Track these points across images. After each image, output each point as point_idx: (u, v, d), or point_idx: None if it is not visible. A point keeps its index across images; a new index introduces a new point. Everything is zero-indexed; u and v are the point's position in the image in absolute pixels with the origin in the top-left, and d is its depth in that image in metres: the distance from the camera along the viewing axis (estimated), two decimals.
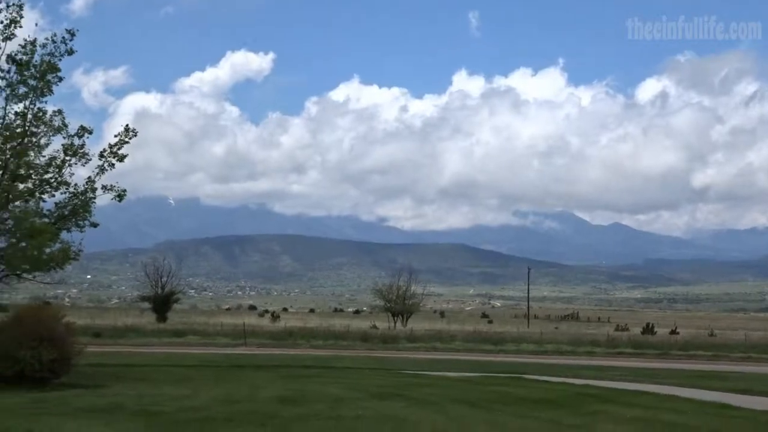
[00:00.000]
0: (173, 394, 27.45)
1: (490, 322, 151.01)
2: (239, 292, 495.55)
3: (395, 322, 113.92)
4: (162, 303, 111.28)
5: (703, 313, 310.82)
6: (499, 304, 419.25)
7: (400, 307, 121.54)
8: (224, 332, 71.06)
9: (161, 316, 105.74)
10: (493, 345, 65.12)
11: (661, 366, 49.88)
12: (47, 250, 33.81)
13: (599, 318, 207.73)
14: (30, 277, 36.00)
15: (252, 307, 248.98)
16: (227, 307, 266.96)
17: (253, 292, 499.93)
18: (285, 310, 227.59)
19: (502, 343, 66.72)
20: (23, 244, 33.53)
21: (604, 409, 25.38)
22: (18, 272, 35.08)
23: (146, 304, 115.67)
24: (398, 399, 27.24)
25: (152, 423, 20.58)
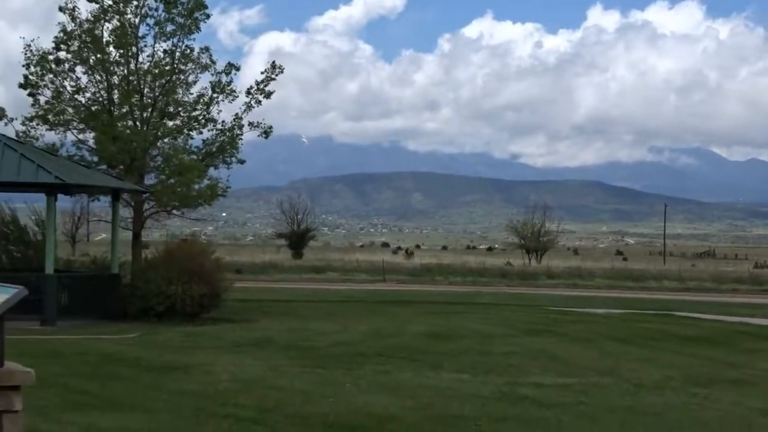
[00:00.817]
0: (322, 329, 27.54)
1: (625, 259, 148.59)
2: (371, 230, 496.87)
3: (530, 260, 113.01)
4: (298, 240, 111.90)
5: None
6: (632, 242, 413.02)
7: (535, 244, 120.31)
8: (362, 269, 71.25)
9: (297, 252, 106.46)
10: (634, 282, 64.22)
11: None
12: (195, 187, 34.17)
13: (736, 255, 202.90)
14: (178, 213, 36.52)
15: (385, 245, 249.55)
16: (361, 244, 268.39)
17: (386, 230, 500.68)
18: (418, 247, 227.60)
19: (643, 280, 65.74)
20: (172, 180, 33.93)
21: (762, 347, 24.70)
22: (167, 209, 35.57)
23: (282, 241, 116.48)
24: (547, 335, 26.95)
25: (304, 357, 20.61)
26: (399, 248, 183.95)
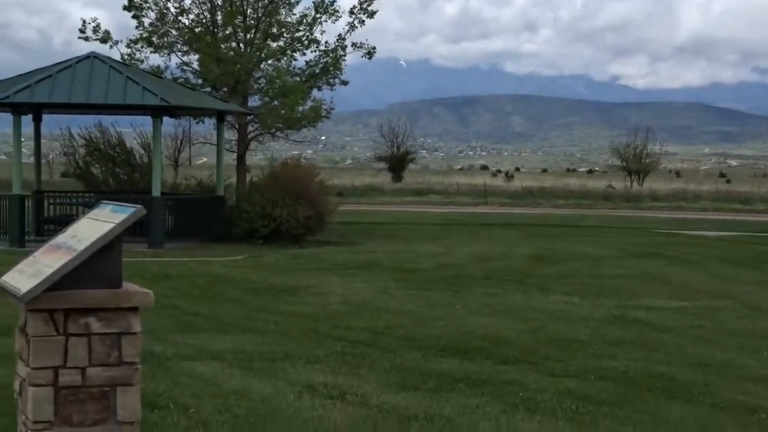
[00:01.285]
0: (427, 251, 27.36)
1: (728, 181, 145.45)
2: (470, 153, 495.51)
3: (632, 182, 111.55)
4: (397, 163, 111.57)
5: None
6: (735, 164, 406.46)
7: (637, 166, 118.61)
8: (462, 192, 70.89)
9: (397, 175, 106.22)
10: (741, 204, 62.87)
11: None
12: (299, 109, 34.02)
13: None
14: (282, 135, 36.46)
15: (484, 167, 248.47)
16: (459, 167, 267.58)
17: (484, 153, 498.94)
18: (517, 170, 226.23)
19: (751, 202, 64.36)
20: (276, 102, 33.81)
21: None
22: (271, 131, 35.52)
23: (382, 165, 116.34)
24: (656, 258, 26.46)
25: (411, 280, 20.45)
26: (498, 171, 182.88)
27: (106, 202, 7.81)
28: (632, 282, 20.93)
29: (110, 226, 6.99)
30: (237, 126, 35.01)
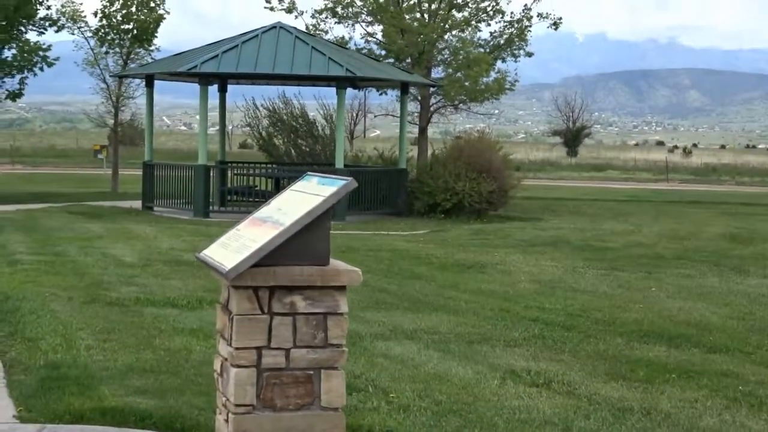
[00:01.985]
0: (615, 229, 26.59)
1: None
2: (645, 128, 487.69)
3: None
4: (573, 137, 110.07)
5: None
6: None
7: None
8: (640, 167, 69.43)
9: (572, 150, 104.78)
10: None
11: None
12: (483, 80, 33.45)
13: None
14: (465, 108, 35.97)
15: (660, 143, 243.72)
16: (634, 142, 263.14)
17: (659, 128, 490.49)
18: (695, 146, 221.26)
19: None
20: (460, 74, 33.31)
21: None
22: (454, 103, 35.05)
23: (557, 139, 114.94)
24: None
25: (600, 259, 19.78)
26: (675, 147, 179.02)
27: (311, 173, 7.46)
28: None
29: (319, 199, 6.61)
30: (419, 98, 34.63)
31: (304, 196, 6.88)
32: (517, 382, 9.00)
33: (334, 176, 7.08)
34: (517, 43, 35.00)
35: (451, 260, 18.78)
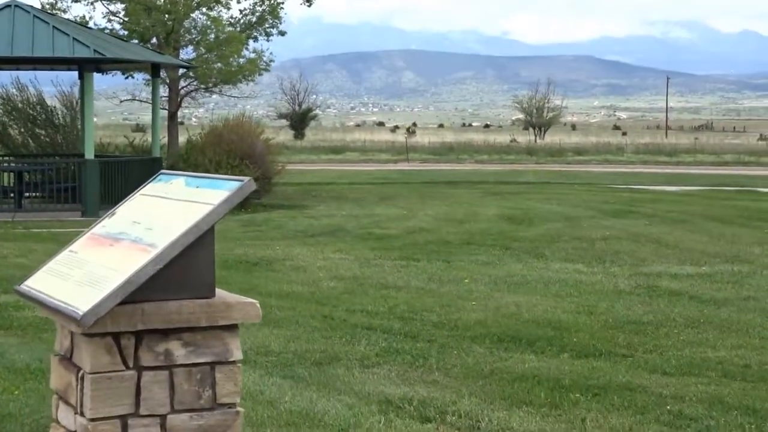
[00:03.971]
0: (388, 214, 25.40)
1: (624, 133, 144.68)
2: (362, 109, 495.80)
3: (536, 136, 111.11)
4: (299, 120, 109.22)
5: None
6: (624, 116, 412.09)
7: (540, 120, 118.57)
8: (379, 148, 69.08)
9: (299, 133, 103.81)
10: (668, 156, 61.84)
11: None
12: (236, 62, 31.54)
13: (734, 128, 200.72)
14: (217, 90, 33.99)
15: (380, 124, 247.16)
16: (353, 123, 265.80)
17: (376, 109, 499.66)
18: (414, 125, 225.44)
19: (676, 154, 63.40)
20: (211, 55, 31.28)
21: None
22: (207, 86, 33.00)
23: (282, 122, 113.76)
24: (635, 216, 24.75)
25: (387, 248, 18.42)
26: (396, 127, 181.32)
27: (168, 172, 5.65)
28: (627, 245, 19.15)
29: (205, 209, 4.82)
30: (168, 81, 32.34)
31: (175, 205, 5.09)
32: (403, 416, 7.37)
33: (210, 176, 5.29)
34: (271, 21, 33.24)
35: (231, 257, 16.97)
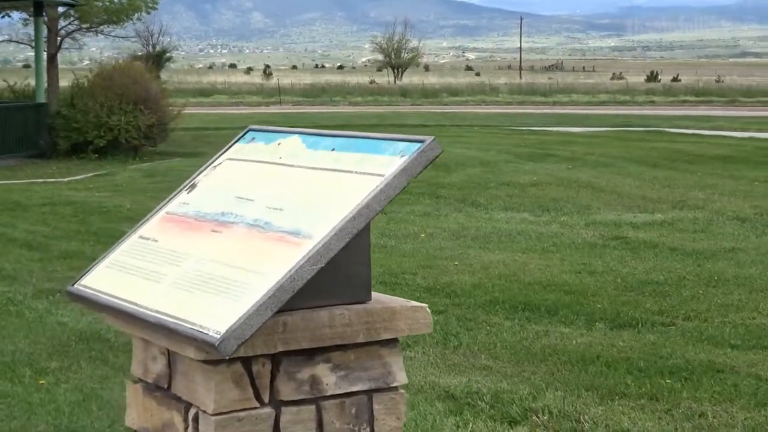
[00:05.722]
0: None
1: (478, 74, 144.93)
2: (211, 51, 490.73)
3: (395, 77, 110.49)
4: (155, 63, 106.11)
5: (681, 60, 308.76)
6: (473, 57, 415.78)
7: (399, 61, 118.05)
8: (247, 90, 67.32)
9: (155, 75, 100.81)
10: (543, 97, 61.40)
11: (761, 114, 44.84)
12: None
13: (584, 68, 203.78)
14: (100, 29, 31.89)
15: (232, 66, 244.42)
16: (208, 65, 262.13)
17: (225, 50, 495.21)
18: (268, 66, 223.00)
19: (551, 94, 63.01)
20: None
21: None
22: (90, 25, 30.86)
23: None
24: (555, 160, 23.79)
25: None
26: (250, 69, 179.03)
27: (263, 128, 4.29)
28: (562, 191, 18.26)
29: (372, 183, 3.44)
30: (46, 20, 30.03)
31: (306, 175, 3.66)
32: (482, 417, 6.11)
33: (344, 133, 3.90)
34: None
35: (146, 212, 15.36)
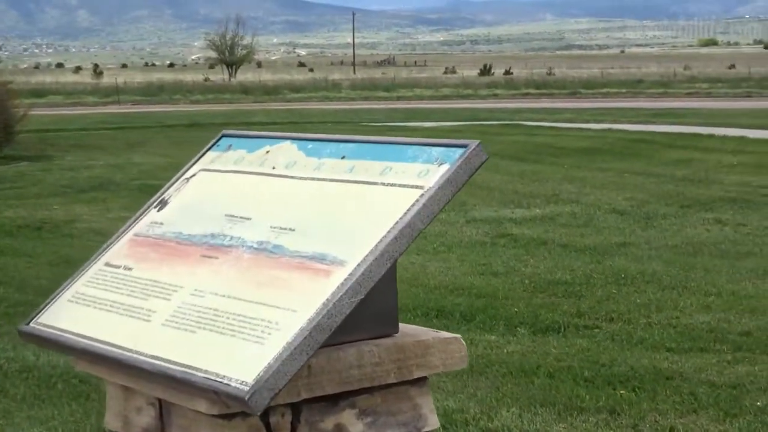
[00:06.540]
0: (150, 162, 23.43)
1: (311, 70, 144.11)
2: (36, 50, 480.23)
3: (229, 75, 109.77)
4: None
5: (510, 54, 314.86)
6: (304, 53, 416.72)
7: (233, 58, 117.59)
8: (83, 91, 65.54)
9: None
10: (386, 92, 61.16)
11: (605, 105, 45.86)
12: None
13: (415, 62, 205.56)
14: None
15: (59, 65, 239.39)
16: (33, 65, 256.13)
17: (51, 50, 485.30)
18: (97, 66, 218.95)
19: (394, 89, 62.86)
20: None
21: (689, 156, 22.18)
22: None
23: None
24: None
25: None
26: (79, 68, 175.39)
27: (239, 133, 3.77)
28: None
29: (410, 196, 2.92)
30: None
31: (318, 187, 3.10)
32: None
33: (351, 137, 3.40)
34: None
35: (4, 220, 14.60)
